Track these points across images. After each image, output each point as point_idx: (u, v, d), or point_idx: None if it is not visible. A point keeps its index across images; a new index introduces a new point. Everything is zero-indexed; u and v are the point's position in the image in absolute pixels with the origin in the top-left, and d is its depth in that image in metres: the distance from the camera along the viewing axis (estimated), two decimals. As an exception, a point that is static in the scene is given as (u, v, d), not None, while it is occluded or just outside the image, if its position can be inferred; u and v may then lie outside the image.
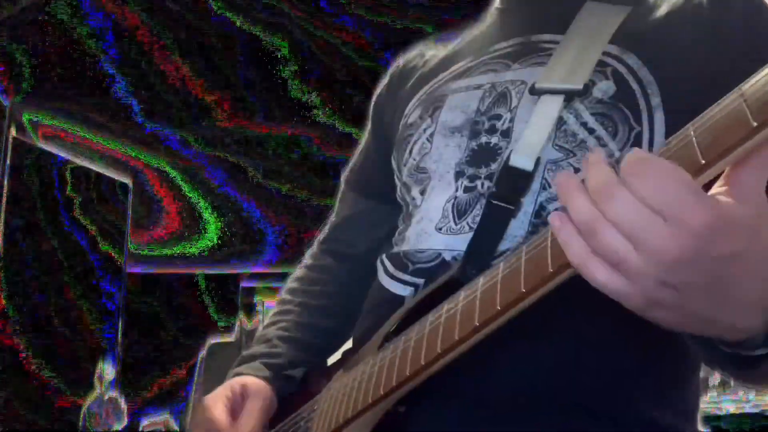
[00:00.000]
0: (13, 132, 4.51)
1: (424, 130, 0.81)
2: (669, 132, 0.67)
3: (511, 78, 0.77)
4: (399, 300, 0.74)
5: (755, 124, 0.41)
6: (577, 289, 0.51)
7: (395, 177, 0.88)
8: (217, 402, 0.82)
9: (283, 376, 0.87)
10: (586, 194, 0.44)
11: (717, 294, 0.44)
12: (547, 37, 0.79)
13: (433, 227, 0.74)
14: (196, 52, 4.47)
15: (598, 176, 0.44)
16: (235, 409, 0.82)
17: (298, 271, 1.02)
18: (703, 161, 0.43)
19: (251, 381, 0.84)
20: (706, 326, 0.47)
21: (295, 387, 0.87)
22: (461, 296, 0.61)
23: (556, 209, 0.68)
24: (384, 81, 1.00)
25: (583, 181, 0.45)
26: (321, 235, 1.05)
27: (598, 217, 0.43)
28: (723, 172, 0.44)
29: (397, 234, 0.82)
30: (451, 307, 0.62)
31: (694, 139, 0.44)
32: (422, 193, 0.79)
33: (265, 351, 0.90)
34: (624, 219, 0.42)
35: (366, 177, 1.00)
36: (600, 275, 0.44)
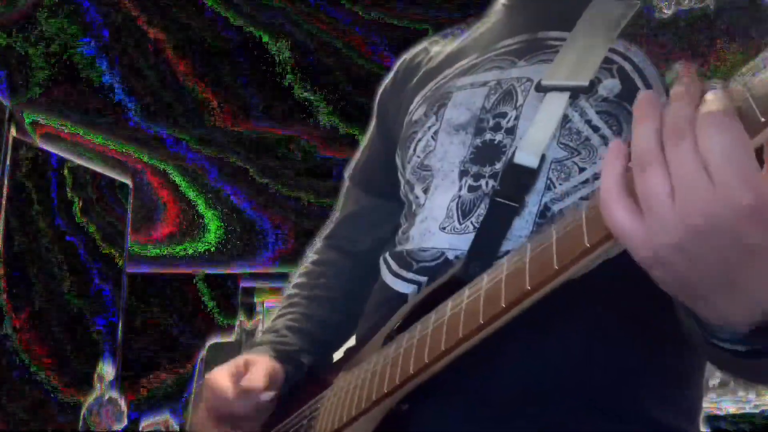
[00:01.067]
0: (13, 132, 4.51)
1: (429, 127, 0.81)
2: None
3: (516, 75, 0.77)
4: (402, 298, 0.74)
5: None
6: (582, 288, 0.51)
7: (399, 174, 0.88)
8: (221, 372, 0.81)
9: (292, 361, 0.87)
10: (657, 125, 0.43)
11: (722, 279, 0.43)
12: (553, 34, 0.79)
13: (437, 226, 0.74)
14: (197, 53, 4.47)
15: (676, 110, 0.42)
16: (239, 378, 0.81)
17: (303, 267, 1.03)
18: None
19: (254, 356, 0.84)
20: (696, 301, 0.46)
21: (303, 374, 0.87)
22: (465, 294, 0.61)
23: (560, 210, 0.68)
24: (389, 77, 1.00)
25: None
26: (325, 231, 1.05)
27: (658, 155, 0.42)
28: None
29: (400, 232, 0.81)
30: (455, 305, 0.62)
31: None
32: (425, 191, 0.79)
33: (273, 339, 0.90)
34: (679, 167, 0.41)
35: (370, 174, 1.00)
36: (622, 213, 0.43)
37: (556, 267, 0.50)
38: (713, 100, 0.41)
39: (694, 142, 0.40)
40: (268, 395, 0.79)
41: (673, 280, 0.44)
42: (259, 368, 0.81)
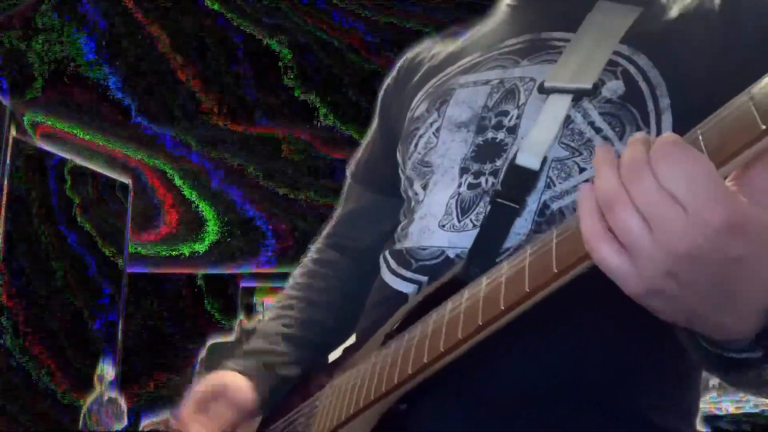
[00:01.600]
0: (13, 132, 4.51)
1: (431, 124, 0.81)
2: (677, 134, 0.67)
3: (519, 75, 0.77)
4: (402, 297, 0.74)
5: (764, 126, 0.40)
6: (580, 288, 0.51)
7: (399, 170, 0.88)
8: (189, 408, 0.86)
9: (277, 375, 0.88)
10: (615, 169, 0.44)
11: (717, 293, 0.44)
12: (557, 34, 0.79)
13: (436, 224, 0.74)
14: (197, 53, 4.47)
15: (631, 153, 0.44)
16: (206, 407, 0.85)
17: (302, 265, 1.03)
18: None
19: (230, 379, 0.87)
20: (696, 322, 0.47)
21: (289, 387, 0.88)
22: (465, 295, 0.61)
23: (559, 209, 0.68)
24: (392, 74, 1.00)
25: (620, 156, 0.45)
26: (326, 229, 1.05)
27: (621, 193, 0.43)
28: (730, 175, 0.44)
29: (399, 229, 0.81)
30: (454, 306, 0.61)
31: (701, 140, 0.44)
32: (424, 187, 0.78)
33: (262, 348, 0.90)
34: (646, 201, 0.42)
35: (372, 170, 1.00)
36: (606, 252, 0.44)
37: (556, 271, 0.50)
38: (661, 138, 0.43)
39: (654, 176, 0.42)
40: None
41: (671, 308, 0.45)
42: (220, 409, 0.84)
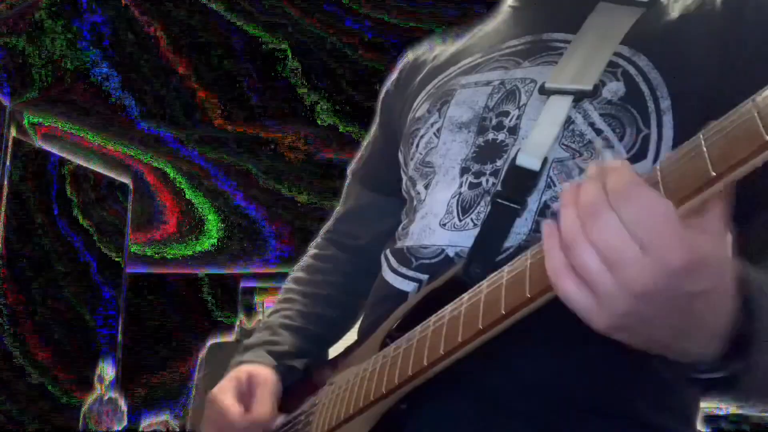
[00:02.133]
0: (13, 132, 4.51)
1: (432, 124, 0.81)
2: (677, 136, 0.67)
3: (520, 76, 0.77)
4: (402, 295, 0.74)
5: None
6: None
7: (401, 170, 0.88)
8: (226, 393, 0.81)
9: (285, 365, 0.87)
10: (575, 208, 0.45)
11: (679, 325, 0.46)
12: (558, 36, 0.79)
13: (437, 223, 0.74)
14: (197, 53, 4.47)
15: (588, 193, 0.45)
16: (244, 398, 0.82)
17: (302, 261, 1.03)
18: (714, 173, 0.42)
19: (257, 369, 0.84)
20: (661, 350, 0.49)
21: (297, 377, 0.87)
22: (465, 298, 0.61)
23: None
24: (393, 74, 1.00)
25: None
26: (326, 226, 1.05)
27: (579, 233, 0.44)
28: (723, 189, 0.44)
29: (401, 229, 0.82)
30: (454, 309, 0.61)
31: (705, 149, 0.43)
32: (426, 187, 0.79)
33: (267, 339, 0.90)
34: (603, 241, 0.43)
35: (373, 170, 1.00)
36: (569, 289, 0.45)
37: None
38: (618, 175, 0.44)
39: (612, 216, 0.43)
40: (276, 423, 0.81)
41: (635, 340, 0.47)
42: (265, 393, 0.81)
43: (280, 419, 0.82)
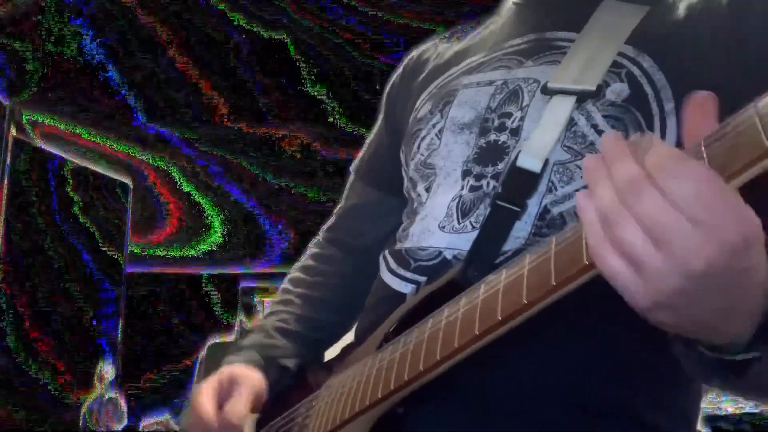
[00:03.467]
0: (13, 132, 4.51)
1: (434, 125, 0.81)
2: (681, 138, 0.66)
3: (523, 75, 0.76)
4: (400, 297, 0.74)
5: None
6: (576, 292, 0.51)
7: (402, 171, 0.87)
8: (203, 394, 0.82)
9: (277, 365, 0.87)
10: (611, 183, 0.43)
11: (725, 303, 0.44)
12: (562, 34, 0.78)
13: (436, 225, 0.74)
14: (200, 52, 4.47)
15: (624, 169, 0.43)
16: (222, 399, 0.81)
17: (301, 261, 1.02)
18: None
19: (240, 369, 0.84)
20: (701, 331, 0.47)
21: (289, 378, 0.87)
22: (462, 302, 0.61)
23: (560, 213, 0.67)
24: (397, 72, 0.99)
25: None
26: (327, 223, 1.04)
27: (621, 210, 0.42)
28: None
29: (401, 230, 0.81)
30: (451, 313, 0.61)
31: (705, 156, 0.43)
32: (428, 189, 0.78)
33: (260, 341, 0.90)
34: (648, 217, 0.41)
35: (375, 168, 0.99)
36: (614, 264, 0.43)
37: (554, 283, 0.50)
38: (660, 151, 0.42)
39: (656, 192, 0.41)
40: (249, 424, 0.81)
41: (677, 320, 0.44)
42: (242, 393, 0.81)
43: (252, 422, 0.82)
